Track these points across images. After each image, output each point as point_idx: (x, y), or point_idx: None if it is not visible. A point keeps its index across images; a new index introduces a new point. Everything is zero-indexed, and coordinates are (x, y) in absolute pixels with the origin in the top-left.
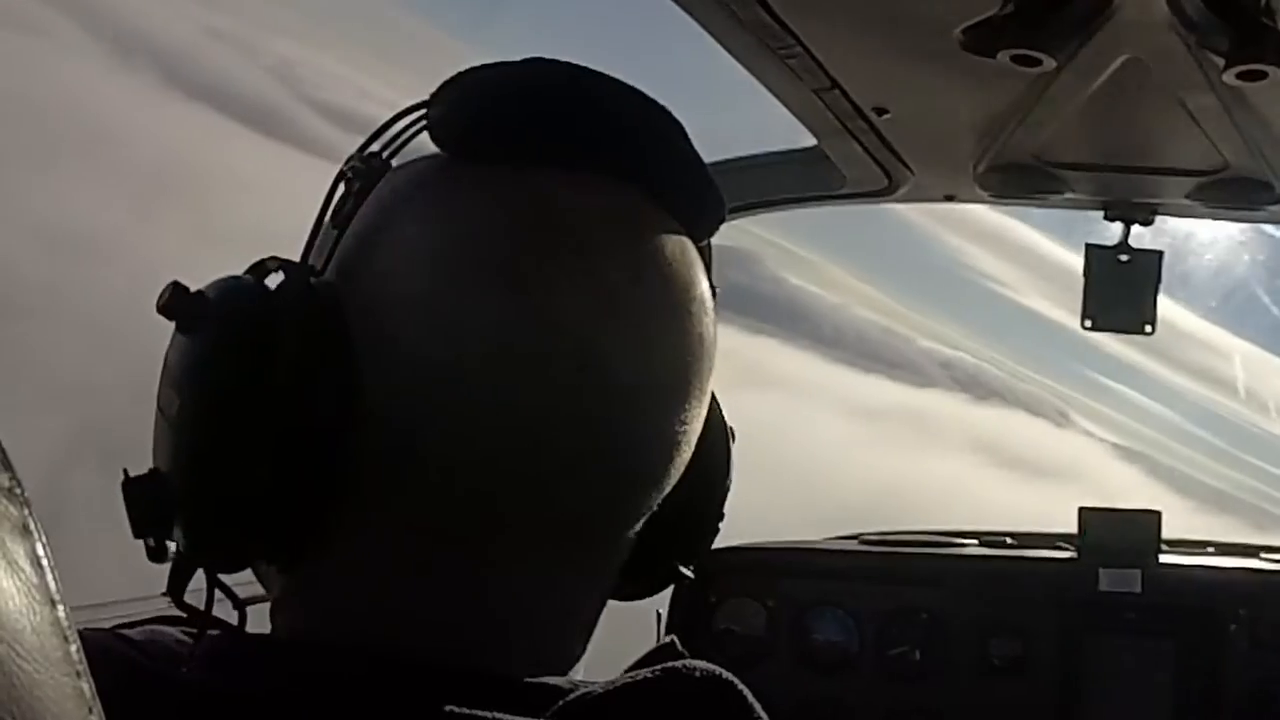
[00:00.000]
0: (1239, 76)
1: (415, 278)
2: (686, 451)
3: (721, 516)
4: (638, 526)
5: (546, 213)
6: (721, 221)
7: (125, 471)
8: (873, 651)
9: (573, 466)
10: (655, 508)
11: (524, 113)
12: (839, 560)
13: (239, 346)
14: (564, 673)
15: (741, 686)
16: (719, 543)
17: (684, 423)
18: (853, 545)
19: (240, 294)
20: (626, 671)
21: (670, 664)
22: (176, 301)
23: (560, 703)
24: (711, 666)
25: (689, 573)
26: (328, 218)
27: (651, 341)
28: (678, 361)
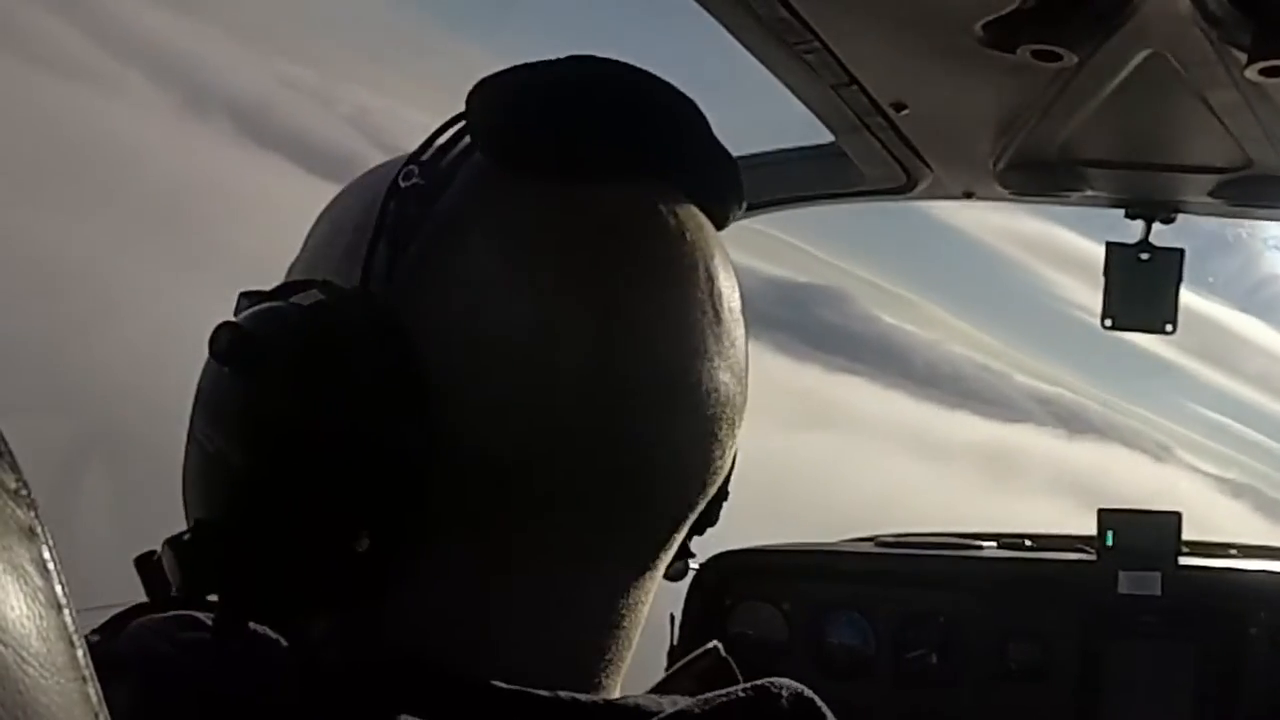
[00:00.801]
0: (1262, 72)
1: (496, 304)
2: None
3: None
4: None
5: (627, 232)
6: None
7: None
8: (889, 655)
9: (667, 493)
10: None
11: (582, 122)
12: (855, 563)
13: (316, 388)
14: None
15: (822, 705)
16: (734, 545)
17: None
18: (869, 547)
19: (303, 328)
20: (672, 674)
21: (759, 682)
22: (236, 342)
23: (660, 716)
24: (795, 684)
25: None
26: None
27: (733, 362)
28: (745, 375)
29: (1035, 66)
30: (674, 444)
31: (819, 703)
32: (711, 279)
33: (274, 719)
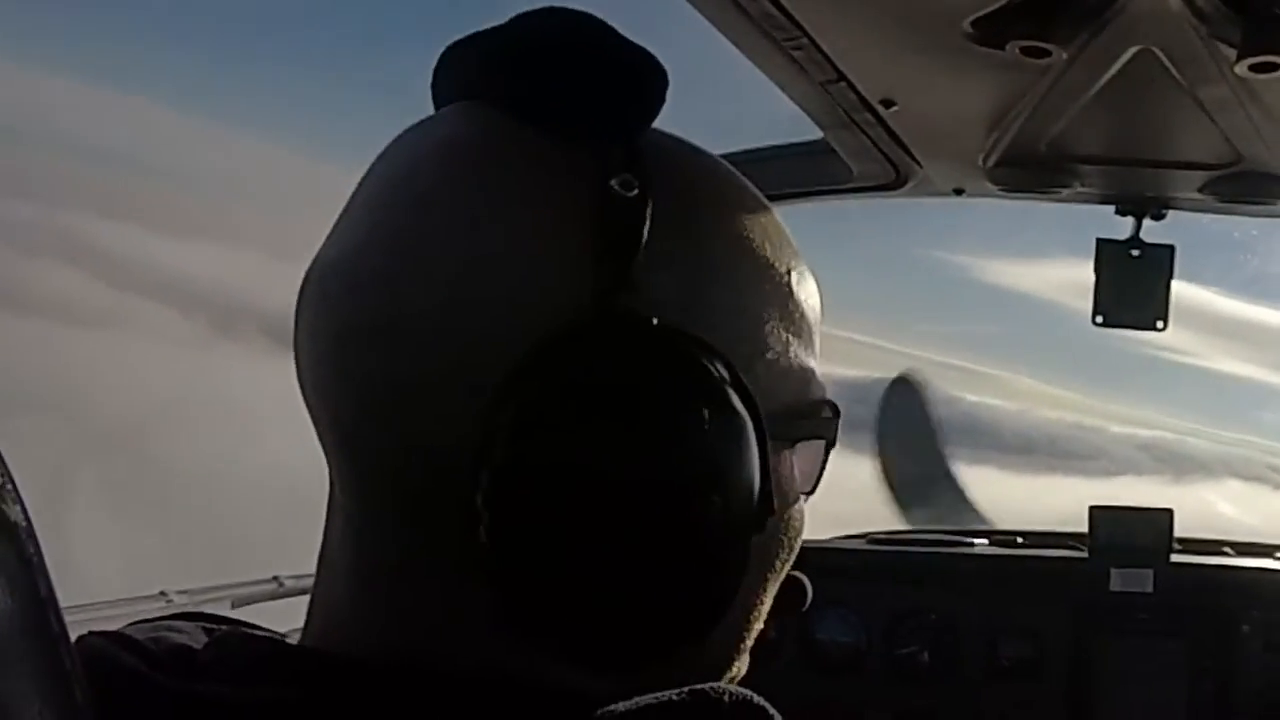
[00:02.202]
0: (1251, 69)
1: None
2: None
3: None
4: None
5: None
6: None
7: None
8: (880, 652)
9: None
10: None
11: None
12: (847, 559)
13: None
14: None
15: (774, 712)
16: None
17: None
18: (861, 544)
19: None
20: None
21: (698, 686)
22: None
23: (595, 714)
24: (741, 690)
25: None
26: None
27: None
28: None
29: (1024, 63)
30: None
31: (769, 709)
32: None
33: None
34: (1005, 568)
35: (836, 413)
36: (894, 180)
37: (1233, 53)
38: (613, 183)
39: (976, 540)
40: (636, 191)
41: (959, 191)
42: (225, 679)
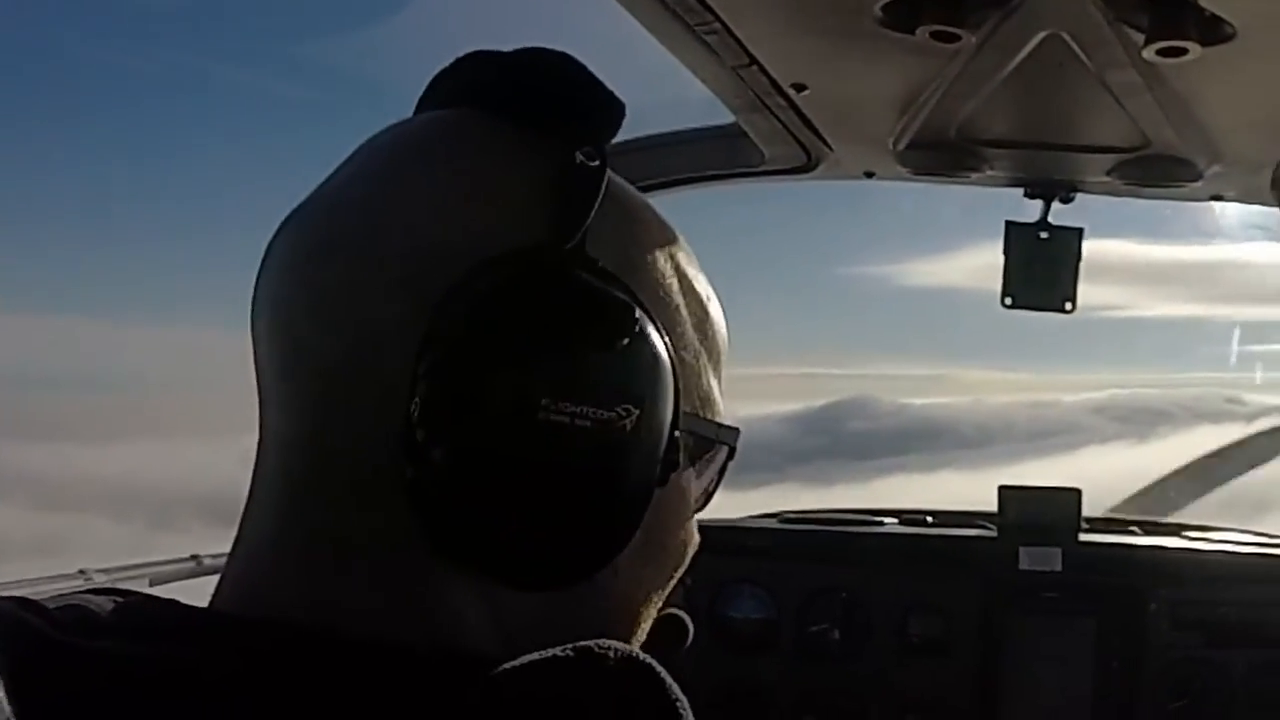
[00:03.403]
0: (1159, 53)
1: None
2: None
3: None
4: None
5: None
6: None
7: None
8: (792, 630)
9: None
10: None
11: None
12: (758, 538)
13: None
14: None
15: (659, 668)
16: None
17: None
18: (772, 523)
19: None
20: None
21: (583, 643)
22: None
23: (471, 678)
24: (628, 647)
25: None
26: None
27: None
28: None
29: (934, 47)
30: None
31: (657, 667)
32: None
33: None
34: (915, 547)
35: (736, 438)
36: (805, 163)
37: (1141, 37)
38: (578, 154)
39: (887, 519)
40: (598, 163)
41: (869, 174)
42: (126, 637)
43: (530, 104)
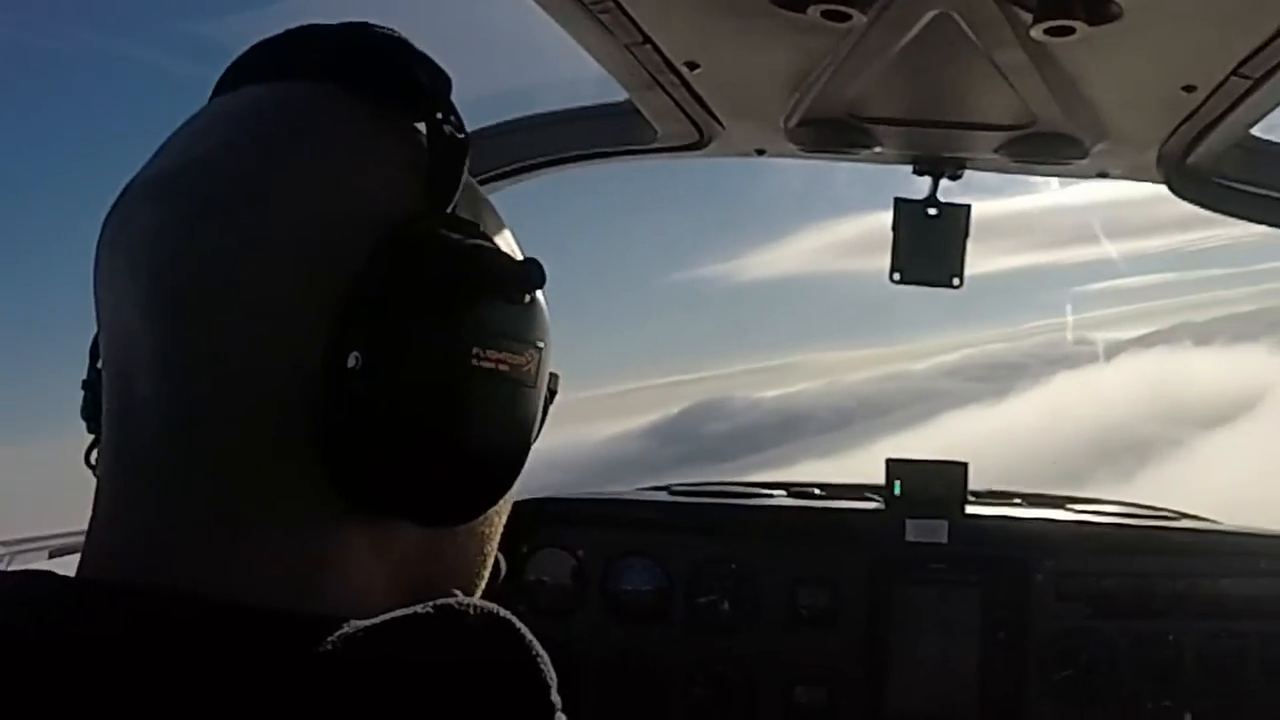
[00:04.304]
0: (1047, 32)
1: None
2: None
3: None
4: None
5: None
6: None
7: None
8: (682, 601)
9: None
10: None
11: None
12: (648, 511)
13: None
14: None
15: (519, 624)
16: (529, 494)
17: None
18: (662, 496)
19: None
20: None
21: (443, 600)
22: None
23: (334, 635)
24: (488, 604)
25: None
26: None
27: None
28: None
29: (825, 26)
30: None
31: (516, 622)
32: None
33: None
34: (804, 519)
35: (556, 383)
36: (698, 141)
37: (1029, 17)
38: (445, 127)
39: (776, 491)
40: (463, 135)
41: (760, 152)
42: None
43: (384, 79)
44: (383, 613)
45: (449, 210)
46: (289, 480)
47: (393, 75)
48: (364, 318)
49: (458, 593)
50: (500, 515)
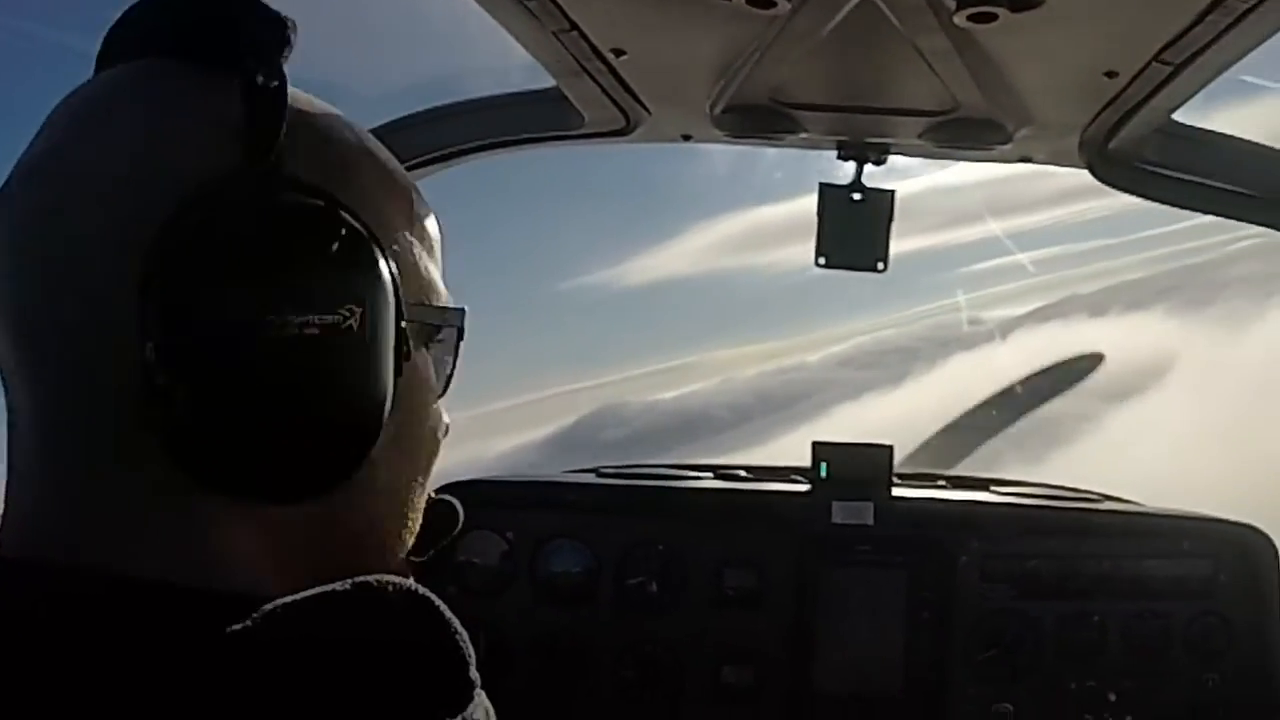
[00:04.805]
0: (969, 19)
1: None
2: None
3: None
4: None
5: None
6: None
7: None
8: (610, 583)
9: None
10: None
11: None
12: (577, 493)
13: None
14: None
15: (438, 601)
16: (460, 476)
17: None
18: (590, 478)
19: None
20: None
21: (361, 578)
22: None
23: (255, 612)
24: (406, 582)
25: None
26: None
27: None
28: None
29: (750, 13)
30: None
31: (435, 600)
32: None
33: None
34: (731, 501)
35: (462, 318)
36: (624, 127)
37: (952, 3)
38: (257, 78)
39: (702, 474)
40: (276, 83)
41: (687, 137)
42: None
43: (201, 43)
44: (288, 590)
45: (272, 168)
46: (145, 465)
47: (209, 38)
48: (150, 304)
49: (395, 573)
50: (407, 478)
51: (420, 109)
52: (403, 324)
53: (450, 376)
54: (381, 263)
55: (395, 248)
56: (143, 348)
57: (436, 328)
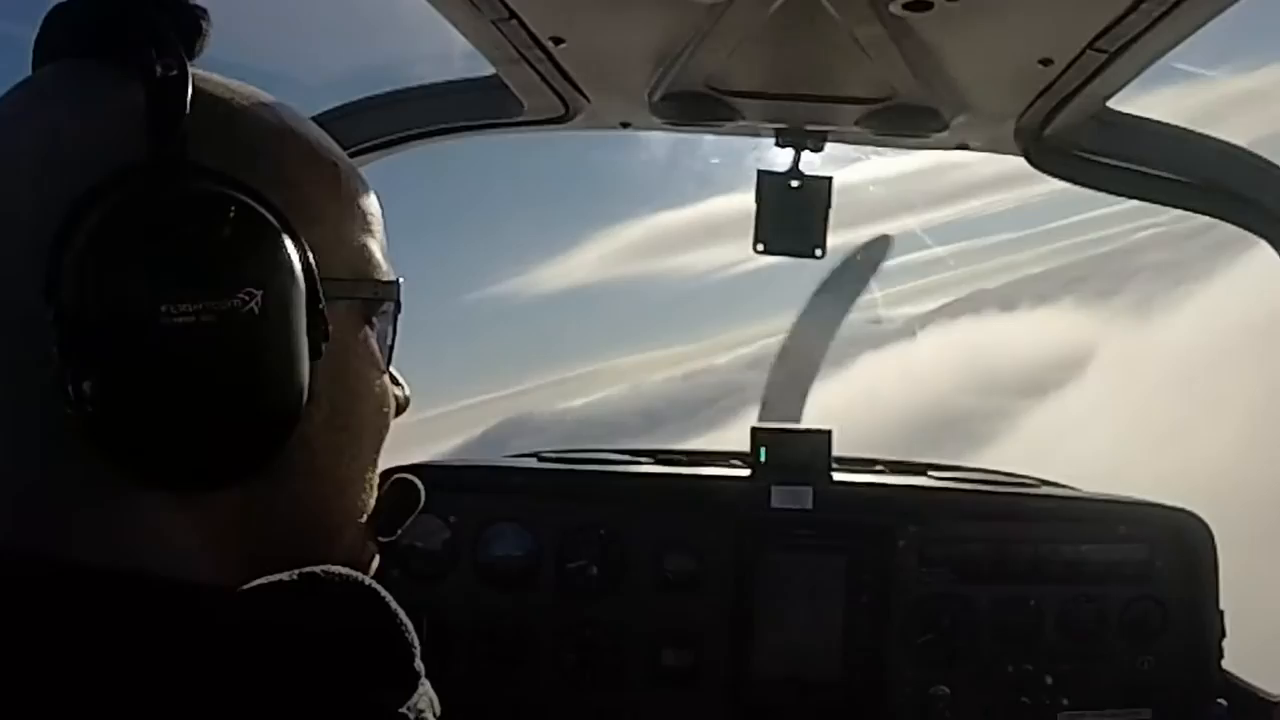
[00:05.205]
0: (906, 7)
1: None
2: None
3: None
4: None
5: None
6: None
7: None
8: (551, 567)
9: None
10: None
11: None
12: (519, 478)
13: None
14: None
15: (383, 592)
16: (400, 461)
17: None
18: (532, 463)
19: None
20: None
21: (308, 569)
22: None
23: (196, 601)
24: (352, 573)
25: None
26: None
27: None
28: None
29: (689, 2)
30: None
31: (379, 591)
32: None
33: None
34: (671, 486)
35: (397, 291)
36: (563, 114)
37: None
38: (157, 67)
39: (643, 459)
40: (176, 72)
41: (626, 125)
42: None
43: (110, 40)
44: (231, 577)
45: (175, 156)
46: (75, 458)
47: (116, 35)
48: (58, 295)
49: (348, 554)
50: (349, 457)
51: (362, 96)
52: (320, 305)
53: (391, 349)
54: (289, 244)
55: (318, 226)
56: (50, 344)
57: (377, 303)
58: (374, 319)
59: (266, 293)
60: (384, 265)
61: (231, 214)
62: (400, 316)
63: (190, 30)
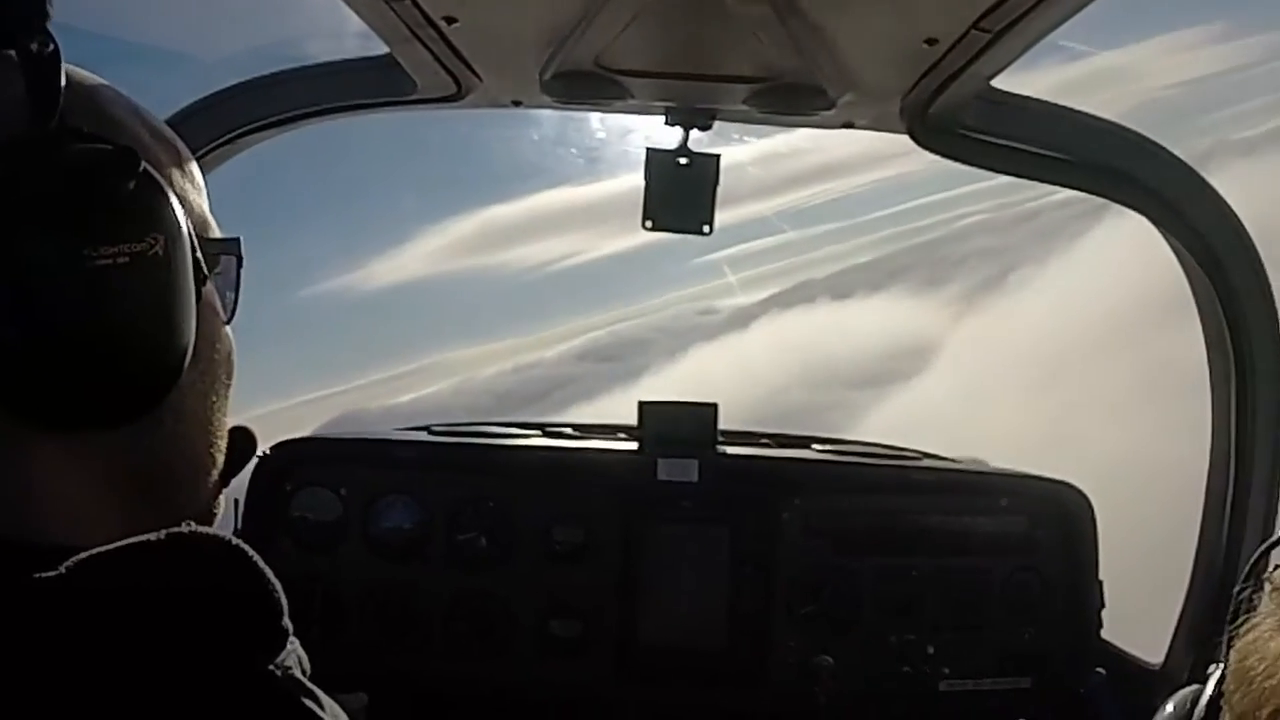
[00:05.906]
0: None
1: None
2: None
3: None
4: None
5: None
6: None
7: None
8: (441, 538)
9: None
10: None
11: None
12: (409, 450)
13: None
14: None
15: (252, 553)
16: (293, 434)
17: None
18: (422, 436)
19: None
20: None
21: (175, 530)
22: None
23: (71, 560)
24: (219, 533)
25: None
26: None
27: None
28: None
29: None
30: None
31: (247, 550)
32: None
33: None
34: (559, 459)
35: (239, 246)
36: (455, 93)
37: None
38: (31, 45)
39: (532, 432)
40: (52, 48)
41: (517, 103)
42: None
43: None
44: (109, 532)
45: (59, 126)
46: None
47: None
48: None
49: (208, 502)
50: (209, 400)
51: (255, 75)
52: (196, 254)
53: (235, 302)
54: (172, 197)
55: (172, 189)
56: None
57: (217, 258)
58: (211, 275)
59: (166, 239)
60: (215, 227)
61: (134, 169)
62: (242, 270)
63: (42, 14)
